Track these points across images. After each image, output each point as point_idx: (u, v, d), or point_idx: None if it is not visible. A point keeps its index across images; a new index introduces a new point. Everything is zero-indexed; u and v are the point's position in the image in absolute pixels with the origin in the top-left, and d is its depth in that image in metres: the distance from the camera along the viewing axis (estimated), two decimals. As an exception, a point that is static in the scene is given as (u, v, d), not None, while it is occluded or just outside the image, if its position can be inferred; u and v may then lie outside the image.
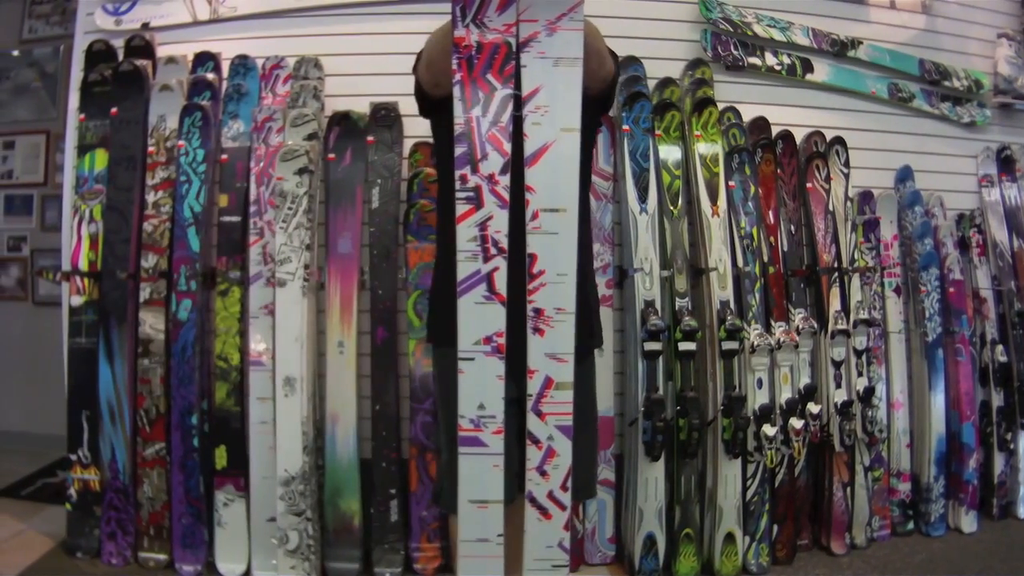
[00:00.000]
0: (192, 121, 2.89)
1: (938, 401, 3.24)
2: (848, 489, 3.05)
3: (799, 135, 3.24)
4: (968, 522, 3.21)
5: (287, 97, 2.97)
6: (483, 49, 1.42)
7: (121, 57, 3.06)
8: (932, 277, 3.26)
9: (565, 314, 1.45)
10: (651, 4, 3.20)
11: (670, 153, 3.00)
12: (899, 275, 3.29)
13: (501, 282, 1.44)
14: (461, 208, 1.42)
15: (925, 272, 3.25)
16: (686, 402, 2.79)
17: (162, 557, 2.81)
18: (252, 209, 2.84)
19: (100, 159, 2.97)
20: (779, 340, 2.91)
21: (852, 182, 3.26)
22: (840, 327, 3.03)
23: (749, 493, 2.90)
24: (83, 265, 2.92)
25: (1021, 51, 3.64)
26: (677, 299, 2.90)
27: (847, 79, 3.37)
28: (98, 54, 3.08)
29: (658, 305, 2.85)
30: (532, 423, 1.47)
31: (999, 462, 3.34)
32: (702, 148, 3.01)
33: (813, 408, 2.91)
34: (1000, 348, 3.32)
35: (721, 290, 2.91)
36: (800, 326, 2.98)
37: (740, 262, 2.98)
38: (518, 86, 1.45)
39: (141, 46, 3.07)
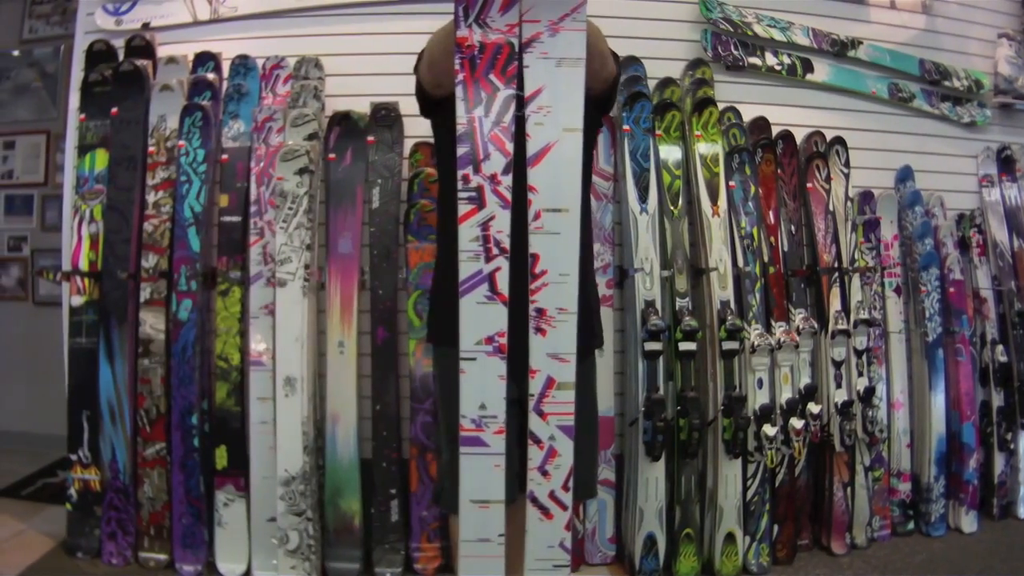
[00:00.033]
0: (192, 121, 2.89)
1: (938, 401, 3.24)
2: (848, 489, 3.05)
3: (799, 135, 3.24)
4: (968, 522, 3.21)
5: (287, 97, 2.97)
6: (486, 49, 1.42)
7: (121, 57, 3.06)
8: (932, 277, 3.26)
9: (567, 314, 1.45)
10: (651, 4, 3.20)
11: (670, 153, 3.00)
12: (899, 275, 3.29)
13: (503, 282, 1.44)
14: (463, 208, 1.42)
15: (925, 272, 3.25)
16: (686, 402, 2.79)
17: (162, 557, 2.81)
18: (252, 209, 2.84)
19: (100, 159, 2.97)
20: (779, 340, 2.91)
21: (852, 182, 3.26)
22: (840, 327, 3.03)
23: (749, 493, 2.90)
24: (83, 265, 2.92)
25: (1021, 51, 3.64)
26: (677, 299, 2.91)
27: (847, 79, 3.37)
28: (98, 54, 3.08)
29: (658, 305, 2.85)
30: (534, 423, 1.46)
31: (999, 462, 3.34)
32: (702, 148, 3.01)
33: (813, 408, 2.91)
34: (1000, 348, 3.32)
35: (721, 290, 2.91)
36: (800, 326, 2.98)
37: (740, 262, 2.98)
38: (520, 86, 1.45)
39: (141, 46, 3.07)
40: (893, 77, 3.45)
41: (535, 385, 1.46)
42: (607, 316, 2.90)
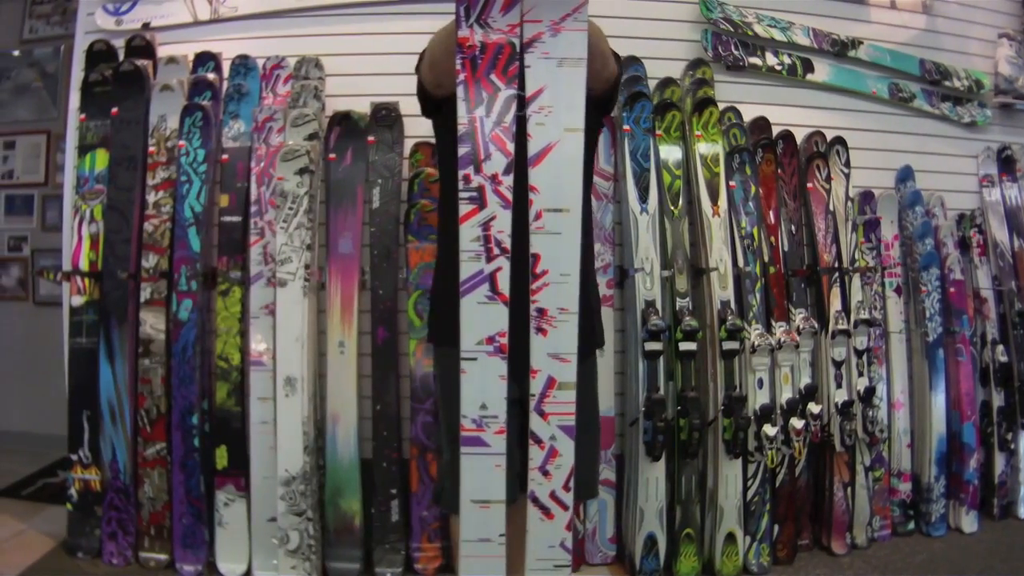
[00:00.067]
0: (193, 121, 2.89)
1: (939, 401, 3.24)
2: (849, 489, 3.05)
3: (800, 135, 3.24)
4: (969, 522, 3.21)
5: (288, 97, 2.97)
6: (487, 49, 1.42)
7: (122, 57, 3.06)
8: (933, 277, 3.26)
9: (568, 314, 1.44)
10: (652, 4, 3.20)
11: (671, 153, 3.00)
12: (900, 275, 3.29)
13: (504, 282, 1.44)
14: (464, 208, 1.42)
15: (926, 272, 3.25)
16: (687, 402, 2.79)
17: (163, 557, 2.81)
18: (253, 209, 2.84)
19: (101, 159, 2.97)
20: (780, 340, 2.91)
21: (853, 182, 3.26)
22: (841, 327, 3.03)
23: (750, 493, 2.90)
24: (84, 265, 2.92)
25: (1022, 51, 3.64)
26: (678, 299, 2.91)
27: (848, 79, 3.37)
28: (99, 54, 3.07)
29: (659, 305, 2.85)
30: (535, 423, 1.46)
31: (1000, 462, 3.34)
32: (703, 148, 3.01)
33: (814, 408, 2.91)
34: (1001, 348, 3.32)
35: (722, 290, 2.91)
36: (801, 326, 2.98)
37: (741, 262, 2.98)
38: (522, 86, 1.45)
39: (142, 46, 3.07)
40: (893, 77, 3.45)
41: (536, 385, 1.46)
42: (608, 316, 2.90)
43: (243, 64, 3.04)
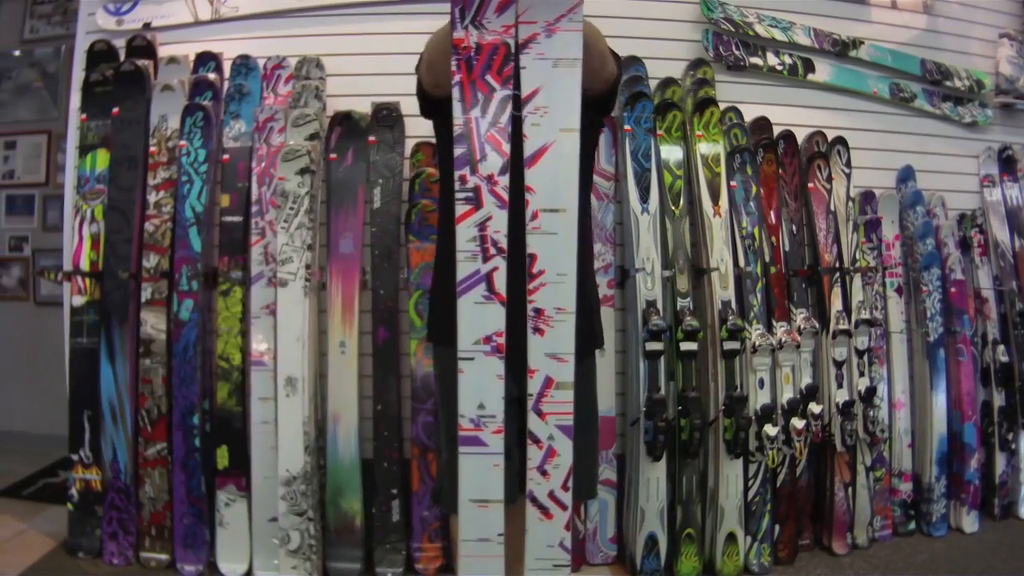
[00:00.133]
0: (194, 121, 2.89)
1: (939, 401, 3.23)
2: (850, 489, 3.05)
3: (801, 135, 3.24)
4: (970, 522, 3.21)
5: (289, 97, 2.97)
6: (482, 50, 1.42)
7: (123, 57, 3.07)
8: (934, 277, 3.25)
9: (565, 314, 1.45)
10: (652, 4, 3.20)
11: (672, 153, 3.00)
12: (901, 275, 3.29)
13: (501, 282, 1.44)
14: (461, 208, 1.43)
15: (927, 272, 3.24)
16: (688, 402, 2.78)
17: (164, 557, 2.82)
18: (254, 209, 2.84)
19: (101, 159, 2.98)
20: (781, 340, 2.91)
21: (854, 182, 3.26)
22: (842, 327, 3.03)
23: (751, 493, 2.90)
24: (84, 265, 2.92)
25: (1022, 51, 3.63)
26: (679, 299, 2.90)
27: (849, 79, 3.37)
28: (99, 54, 3.08)
29: (660, 305, 2.85)
30: (533, 423, 1.47)
31: (1000, 462, 3.33)
32: (704, 148, 3.01)
33: (815, 408, 2.91)
34: (1001, 348, 3.32)
35: (723, 290, 2.91)
36: (802, 326, 2.98)
37: (742, 262, 2.98)
38: (517, 86, 1.45)
39: (143, 46, 3.08)
40: (894, 77, 3.45)
41: (534, 385, 1.46)
42: (608, 316, 2.91)
43: (244, 64, 3.04)
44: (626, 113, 2.93)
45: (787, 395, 2.94)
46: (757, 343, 2.87)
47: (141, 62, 2.98)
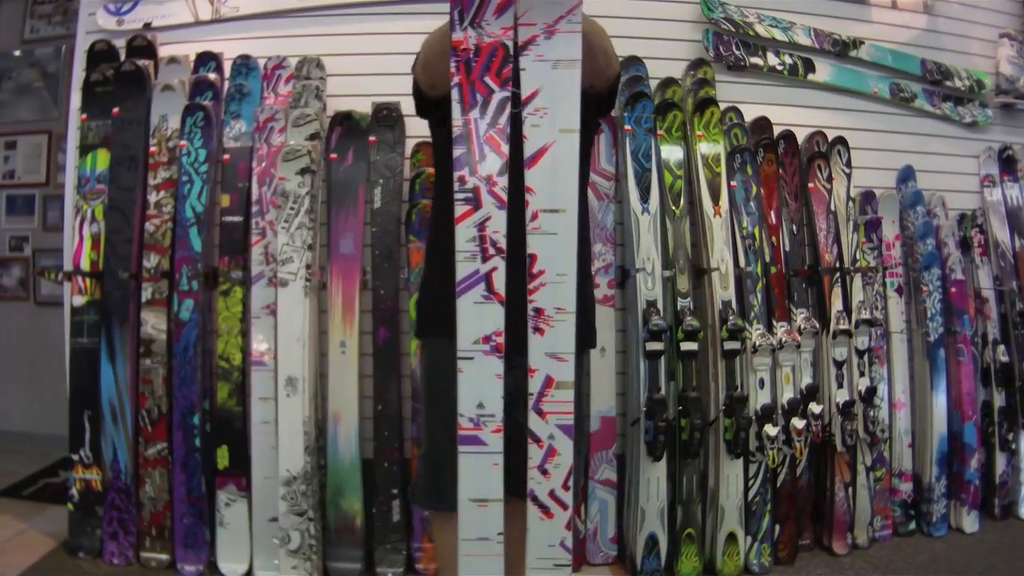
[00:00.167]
0: (194, 121, 2.89)
1: (940, 401, 3.23)
2: (850, 489, 3.05)
3: (801, 135, 3.24)
4: (970, 522, 3.21)
5: (289, 97, 2.97)
6: (481, 52, 1.43)
7: (123, 57, 3.07)
8: (934, 277, 3.25)
9: (565, 313, 1.45)
10: (653, 4, 3.20)
11: (672, 153, 3.00)
12: (901, 275, 3.29)
13: (500, 282, 1.44)
14: (460, 209, 1.43)
15: (927, 272, 3.24)
16: (688, 402, 2.78)
17: (164, 557, 2.81)
18: (254, 209, 2.84)
19: (102, 159, 2.98)
20: (781, 340, 2.91)
21: (854, 182, 3.26)
22: (842, 327, 3.03)
23: (751, 493, 2.90)
24: (85, 265, 2.92)
25: (1023, 51, 3.63)
26: (679, 299, 2.91)
27: (849, 79, 3.37)
28: (100, 54, 3.08)
29: (660, 305, 2.84)
30: (533, 422, 1.47)
31: (1001, 462, 3.33)
32: (704, 148, 3.01)
33: (815, 408, 2.91)
34: (1002, 348, 3.32)
35: (723, 290, 2.91)
36: (802, 326, 2.98)
37: (742, 262, 2.98)
38: (517, 84, 1.46)
39: (143, 46, 3.08)
40: (895, 77, 3.45)
41: (534, 384, 1.46)
42: (608, 316, 2.92)
43: (244, 64, 3.04)
44: (626, 113, 2.93)
45: (787, 395, 2.94)
46: (757, 343, 2.87)
47: (141, 62, 2.98)
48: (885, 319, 3.23)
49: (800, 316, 3.01)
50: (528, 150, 1.44)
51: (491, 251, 1.44)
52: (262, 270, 2.79)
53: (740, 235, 3.00)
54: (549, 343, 1.46)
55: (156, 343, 2.84)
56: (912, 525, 3.21)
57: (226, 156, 2.95)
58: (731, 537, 2.85)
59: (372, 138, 2.94)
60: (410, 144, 2.99)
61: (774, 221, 3.11)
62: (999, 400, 3.32)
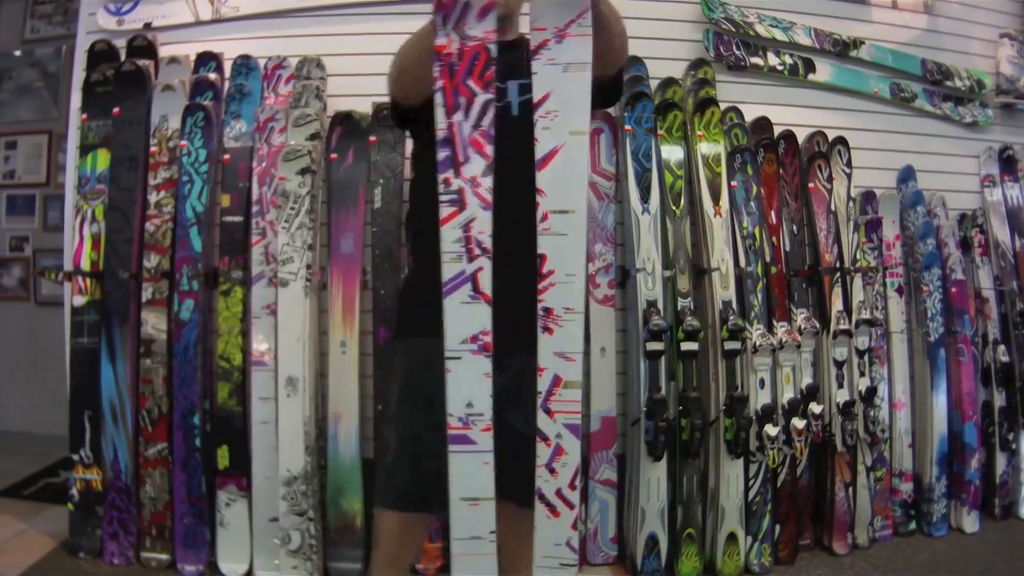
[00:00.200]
0: (194, 121, 2.89)
1: (940, 401, 3.24)
2: (850, 489, 3.05)
3: (801, 135, 3.24)
4: (970, 522, 3.21)
5: (289, 97, 2.97)
6: (464, 56, 1.44)
7: (123, 57, 3.07)
8: (934, 277, 3.26)
9: (574, 313, 1.45)
10: (653, 4, 3.20)
11: (672, 153, 3.00)
12: (901, 275, 3.29)
13: (486, 281, 1.45)
14: (445, 211, 1.44)
15: (927, 272, 3.25)
16: (688, 402, 2.79)
17: (164, 557, 2.81)
18: (254, 209, 2.84)
19: (102, 159, 2.98)
20: (781, 340, 2.91)
21: (854, 182, 3.26)
22: (842, 327, 3.03)
23: (751, 493, 2.90)
24: (85, 265, 2.92)
25: (1023, 51, 3.64)
26: (679, 299, 2.91)
27: (849, 79, 3.38)
28: (100, 54, 3.08)
29: (660, 305, 2.84)
30: (541, 421, 1.47)
31: (1001, 462, 3.34)
32: (704, 148, 3.01)
33: (815, 408, 2.91)
34: (1002, 348, 3.32)
35: (723, 290, 2.91)
36: (802, 326, 2.98)
37: (742, 262, 2.98)
38: (529, 88, 1.48)
39: (143, 46, 3.08)
40: (895, 77, 3.46)
41: (542, 383, 1.46)
42: (609, 316, 2.92)
43: (245, 64, 3.04)
44: (627, 113, 2.93)
45: (788, 395, 2.94)
46: (758, 343, 2.87)
47: (142, 62, 2.98)
48: (885, 319, 3.23)
49: (800, 316, 3.01)
50: (539, 152, 1.45)
51: (476, 251, 1.44)
52: (262, 270, 2.78)
53: (740, 235, 3.00)
54: (558, 342, 1.46)
55: (156, 343, 2.84)
56: (912, 525, 3.21)
57: (226, 156, 2.94)
58: (731, 537, 2.85)
59: (372, 138, 2.94)
60: (410, 144, 2.98)
61: (774, 221, 3.11)
62: (999, 400, 3.32)
